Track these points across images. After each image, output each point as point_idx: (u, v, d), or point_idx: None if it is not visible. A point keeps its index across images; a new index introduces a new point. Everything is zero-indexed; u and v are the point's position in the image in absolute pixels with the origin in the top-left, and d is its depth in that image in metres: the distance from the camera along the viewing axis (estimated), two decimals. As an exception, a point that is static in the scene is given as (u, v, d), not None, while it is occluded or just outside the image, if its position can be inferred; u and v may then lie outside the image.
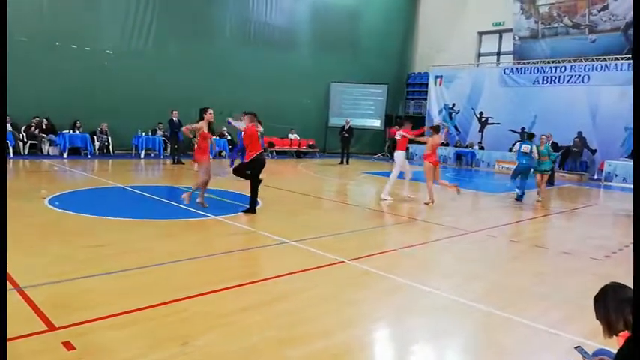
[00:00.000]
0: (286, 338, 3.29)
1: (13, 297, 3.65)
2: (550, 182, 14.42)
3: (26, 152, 14.34)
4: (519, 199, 10.35)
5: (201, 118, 7.60)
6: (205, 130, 7.57)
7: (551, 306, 4.24)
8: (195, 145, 7.75)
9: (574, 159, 17.41)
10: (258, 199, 7.65)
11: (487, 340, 3.54)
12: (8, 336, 2.97)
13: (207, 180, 7.73)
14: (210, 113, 7.64)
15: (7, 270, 4.15)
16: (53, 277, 4.14)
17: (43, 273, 4.24)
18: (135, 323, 3.36)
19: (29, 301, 3.59)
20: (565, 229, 8.50)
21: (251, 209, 7.39)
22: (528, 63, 19.58)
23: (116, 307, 3.57)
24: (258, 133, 7.93)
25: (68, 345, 2.96)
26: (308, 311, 3.78)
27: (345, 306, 3.94)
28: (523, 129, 18.81)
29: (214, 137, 17.40)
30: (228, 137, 17.91)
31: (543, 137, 10.64)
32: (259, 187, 7.52)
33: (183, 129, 7.98)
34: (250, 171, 7.45)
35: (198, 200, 7.69)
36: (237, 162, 12.78)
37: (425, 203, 9.21)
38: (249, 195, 7.45)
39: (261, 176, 7.55)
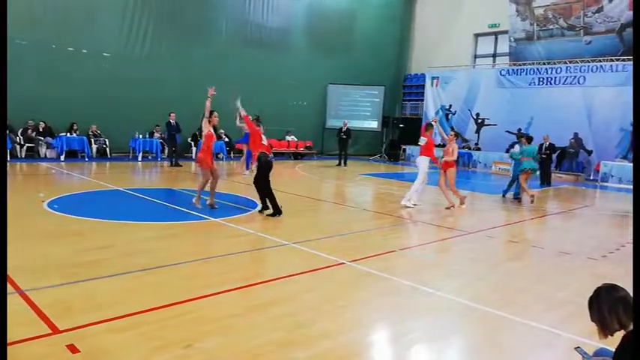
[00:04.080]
0: (290, 340, 3.31)
1: (15, 300, 3.66)
2: (547, 183, 14.53)
3: (23, 155, 14.30)
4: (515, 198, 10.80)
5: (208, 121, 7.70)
6: (211, 130, 7.65)
7: (551, 306, 4.28)
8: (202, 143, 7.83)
9: (570, 160, 17.50)
10: (255, 201, 7.68)
11: (488, 341, 3.57)
12: (12, 340, 3.01)
13: (214, 181, 7.78)
14: (215, 116, 7.76)
15: (9, 273, 4.17)
16: (55, 280, 4.14)
17: (45, 276, 4.24)
18: (138, 326, 3.37)
19: (32, 305, 3.60)
20: (563, 229, 8.56)
21: (262, 208, 7.52)
22: (524, 64, 19.68)
23: (119, 309, 3.58)
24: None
25: (72, 348, 2.97)
26: (310, 313, 3.80)
27: (347, 307, 3.97)
28: (519, 130, 18.90)
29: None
30: (226, 139, 17.90)
31: (523, 138, 11.02)
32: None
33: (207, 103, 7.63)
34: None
35: (208, 202, 7.73)
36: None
37: (450, 207, 9.11)
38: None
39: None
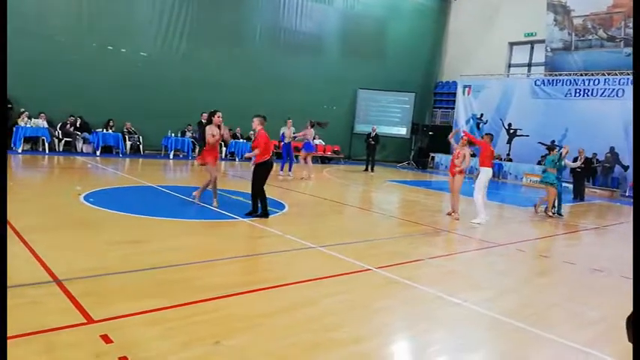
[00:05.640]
0: (317, 342, 3.33)
1: (52, 289, 3.80)
2: (580, 198, 14.13)
3: (61, 149, 14.80)
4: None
5: (210, 121, 7.81)
6: (215, 131, 7.80)
7: (583, 324, 4.18)
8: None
9: (605, 174, 17.00)
10: (283, 203, 7.73)
11: (516, 356, 3.50)
12: (48, 327, 3.12)
13: (215, 178, 7.97)
14: (219, 116, 7.83)
15: (47, 263, 4.33)
16: (91, 272, 4.27)
17: (81, 267, 4.37)
18: (169, 320, 3.45)
19: (68, 294, 3.72)
20: (596, 245, 8.32)
21: (253, 211, 7.41)
22: (561, 75, 19.25)
23: (150, 303, 3.67)
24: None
25: (106, 338, 3.06)
26: (337, 317, 3.81)
27: (373, 314, 3.96)
28: (553, 142, 18.49)
29: (242, 141, 17.69)
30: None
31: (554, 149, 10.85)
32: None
33: (209, 138, 7.88)
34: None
35: (194, 193, 8.04)
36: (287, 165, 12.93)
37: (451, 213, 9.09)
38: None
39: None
